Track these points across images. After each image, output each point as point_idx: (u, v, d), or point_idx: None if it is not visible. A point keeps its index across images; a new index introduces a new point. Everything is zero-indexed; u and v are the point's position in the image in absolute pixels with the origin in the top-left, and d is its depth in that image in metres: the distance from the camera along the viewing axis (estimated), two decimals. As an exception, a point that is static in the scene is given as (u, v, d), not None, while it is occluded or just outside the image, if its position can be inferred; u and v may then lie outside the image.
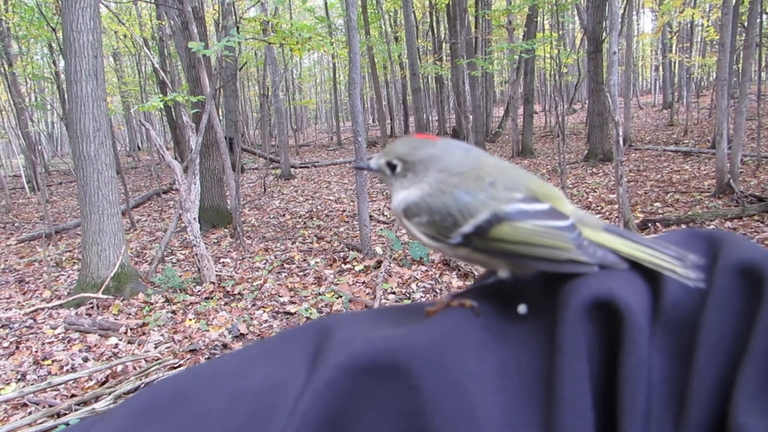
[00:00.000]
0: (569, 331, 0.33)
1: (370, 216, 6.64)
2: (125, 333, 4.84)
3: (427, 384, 0.33)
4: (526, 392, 0.34)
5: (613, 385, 0.32)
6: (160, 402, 0.36)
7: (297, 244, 7.65)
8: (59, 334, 4.92)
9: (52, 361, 4.39)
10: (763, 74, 11.92)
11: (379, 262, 6.14)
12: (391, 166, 0.46)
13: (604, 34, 11.27)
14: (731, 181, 7.55)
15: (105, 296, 5.54)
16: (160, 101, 6.41)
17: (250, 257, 7.14)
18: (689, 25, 22.40)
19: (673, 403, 0.32)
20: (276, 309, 5.24)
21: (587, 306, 0.34)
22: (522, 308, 0.39)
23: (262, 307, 5.31)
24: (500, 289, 0.42)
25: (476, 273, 5.40)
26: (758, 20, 8.89)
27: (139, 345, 4.60)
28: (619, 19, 8.03)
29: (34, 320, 5.35)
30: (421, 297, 5.14)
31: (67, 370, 4.22)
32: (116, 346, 4.63)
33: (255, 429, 0.34)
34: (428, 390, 0.33)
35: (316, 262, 6.56)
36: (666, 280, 0.36)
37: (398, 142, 0.47)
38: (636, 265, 0.38)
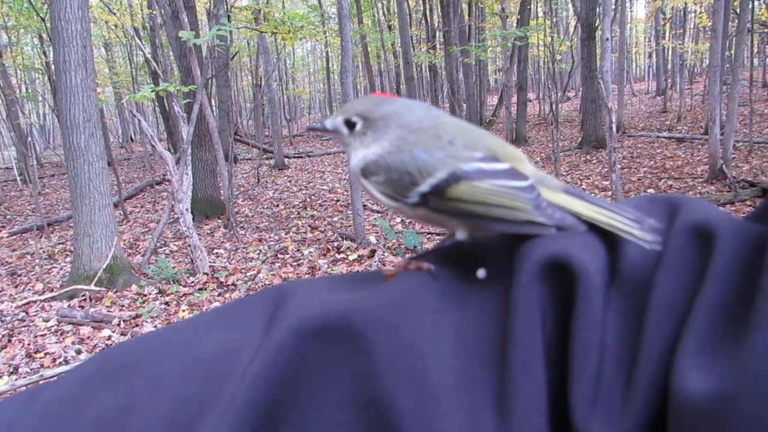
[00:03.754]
0: (523, 293, 0.33)
1: (364, 205, 6.63)
2: (118, 325, 4.83)
3: (381, 347, 0.33)
4: (482, 355, 0.33)
5: (567, 346, 0.32)
6: (111, 367, 0.36)
7: (291, 234, 7.64)
8: (52, 326, 4.91)
9: (45, 354, 4.38)
10: (755, 60, 11.92)
11: (373, 252, 6.14)
12: (350, 124, 0.45)
13: (597, 20, 11.21)
14: (724, 166, 7.57)
15: (98, 288, 5.52)
16: (152, 91, 6.35)
17: (243, 248, 7.12)
18: (682, 12, 22.36)
19: (624, 364, 0.31)
20: (270, 298, 5.23)
21: (542, 266, 0.33)
22: (481, 272, 0.38)
23: (256, 296, 5.31)
24: (460, 253, 0.41)
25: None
26: (750, 6, 8.88)
27: (132, 337, 4.60)
28: (612, 6, 7.99)
29: (27, 313, 5.33)
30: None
31: (60, 363, 4.21)
32: (109, 338, 4.62)
33: (209, 393, 0.33)
34: (381, 353, 0.32)
35: (310, 252, 6.56)
36: (624, 244, 0.35)
37: (357, 100, 0.46)
38: (594, 228, 0.37)
